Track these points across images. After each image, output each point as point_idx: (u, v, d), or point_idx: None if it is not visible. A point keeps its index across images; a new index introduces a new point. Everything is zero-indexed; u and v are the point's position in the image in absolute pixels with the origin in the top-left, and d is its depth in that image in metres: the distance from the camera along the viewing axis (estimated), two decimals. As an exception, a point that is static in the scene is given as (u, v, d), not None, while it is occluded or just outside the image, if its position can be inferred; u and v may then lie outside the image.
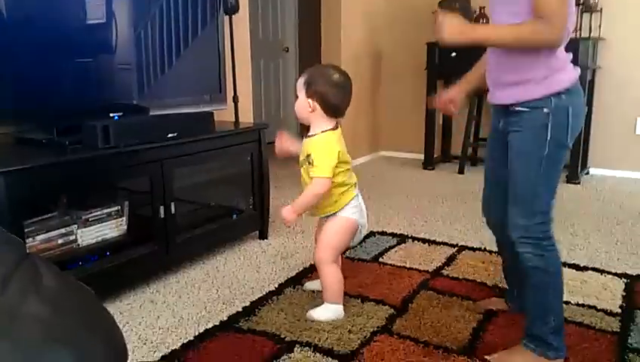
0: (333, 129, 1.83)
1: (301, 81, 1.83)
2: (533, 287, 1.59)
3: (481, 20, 4.08)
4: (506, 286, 2.05)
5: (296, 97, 1.84)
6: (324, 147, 1.80)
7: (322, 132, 1.82)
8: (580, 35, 3.86)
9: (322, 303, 1.90)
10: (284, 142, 1.98)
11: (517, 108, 1.51)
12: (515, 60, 1.48)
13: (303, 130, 1.94)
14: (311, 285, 2.12)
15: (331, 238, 1.89)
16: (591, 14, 3.91)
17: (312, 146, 1.82)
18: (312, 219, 1.92)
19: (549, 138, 1.47)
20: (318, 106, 1.80)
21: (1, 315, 0.69)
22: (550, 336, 1.57)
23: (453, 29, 1.43)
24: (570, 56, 1.52)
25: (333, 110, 1.81)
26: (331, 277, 1.89)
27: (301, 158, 1.87)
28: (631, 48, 3.95)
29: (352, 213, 1.89)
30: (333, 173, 1.79)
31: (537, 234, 1.53)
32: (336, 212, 1.88)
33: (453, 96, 1.82)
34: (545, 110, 1.46)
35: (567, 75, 1.48)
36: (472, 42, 1.43)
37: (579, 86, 1.51)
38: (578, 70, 1.52)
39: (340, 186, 1.86)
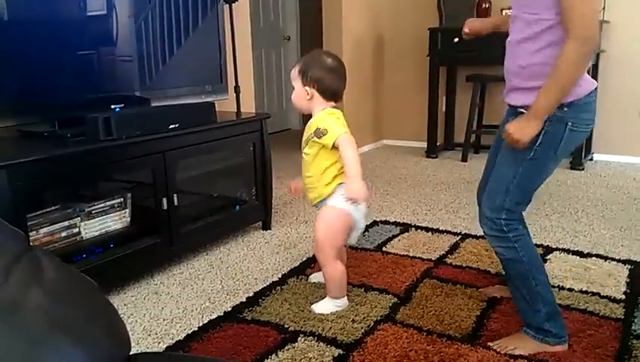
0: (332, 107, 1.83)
1: (295, 71, 1.82)
2: (513, 278, 1.60)
3: (483, 5, 4.04)
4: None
5: (293, 88, 1.83)
6: (329, 116, 1.79)
7: (322, 109, 1.82)
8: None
9: (325, 294, 1.90)
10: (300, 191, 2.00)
11: (522, 111, 1.50)
12: (525, 68, 1.47)
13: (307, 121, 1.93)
14: (315, 278, 2.11)
15: (326, 233, 1.82)
16: (595, -2, 3.87)
17: (317, 120, 1.80)
18: (314, 211, 1.91)
19: (538, 143, 1.47)
20: (315, 92, 1.79)
21: (3, 306, 0.69)
22: (546, 324, 1.57)
23: (522, 130, 1.43)
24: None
25: (331, 93, 1.81)
26: (333, 274, 1.86)
27: (305, 138, 1.84)
28: (636, 32, 3.91)
29: (345, 202, 1.80)
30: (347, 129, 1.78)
31: (502, 228, 1.54)
32: (327, 197, 1.83)
33: (478, 29, 1.84)
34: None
35: (576, 88, 1.43)
36: (543, 117, 1.42)
37: (588, 101, 1.47)
38: (594, 83, 1.48)
39: (336, 165, 1.81)
